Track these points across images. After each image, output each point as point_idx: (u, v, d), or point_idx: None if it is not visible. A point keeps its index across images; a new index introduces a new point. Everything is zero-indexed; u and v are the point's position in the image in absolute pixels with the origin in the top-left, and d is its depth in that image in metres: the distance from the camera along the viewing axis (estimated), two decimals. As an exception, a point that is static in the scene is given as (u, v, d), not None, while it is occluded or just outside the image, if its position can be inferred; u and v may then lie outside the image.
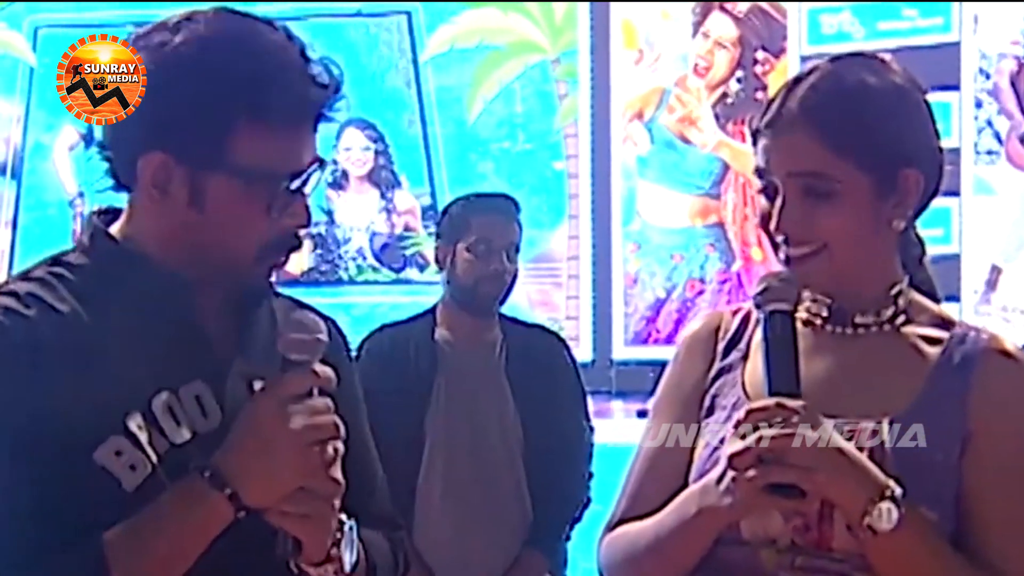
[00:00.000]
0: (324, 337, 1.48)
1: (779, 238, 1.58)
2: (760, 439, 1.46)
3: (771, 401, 1.48)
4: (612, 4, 5.42)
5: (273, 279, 1.61)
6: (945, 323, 1.62)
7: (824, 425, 1.47)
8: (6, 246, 5.92)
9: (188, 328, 1.52)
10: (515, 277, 3.42)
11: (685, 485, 1.60)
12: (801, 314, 1.59)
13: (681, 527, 1.56)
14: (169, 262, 1.51)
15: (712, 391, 1.65)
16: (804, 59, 5.18)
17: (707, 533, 1.55)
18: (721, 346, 1.68)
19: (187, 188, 1.48)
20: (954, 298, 4.82)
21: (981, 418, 1.54)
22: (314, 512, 1.45)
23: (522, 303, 5.21)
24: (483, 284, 3.35)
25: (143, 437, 1.45)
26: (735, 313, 1.70)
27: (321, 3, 5.69)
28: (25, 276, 1.52)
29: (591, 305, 5.36)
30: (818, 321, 1.63)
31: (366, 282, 5.69)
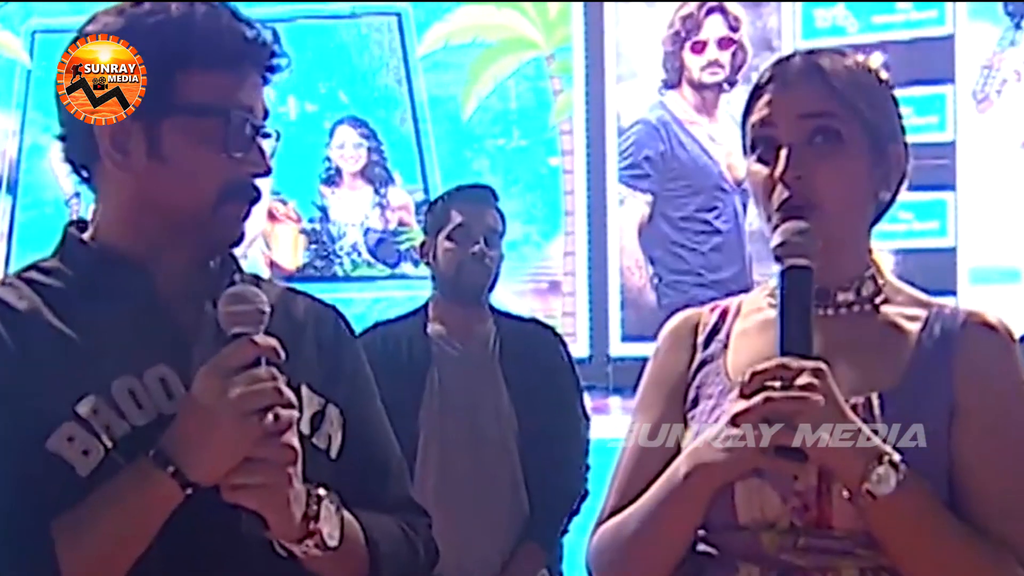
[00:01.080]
0: (265, 307, 1.48)
1: (780, 194, 1.58)
2: (767, 399, 1.45)
3: (775, 362, 1.48)
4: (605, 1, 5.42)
5: (270, 274, 1.61)
6: (921, 302, 1.64)
7: (831, 387, 1.47)
8: (1, 256, 5.94)
9: (153, 315, 1.53)
10: (499, 265, 3.43)
11: None
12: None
13: (671, 494, 1.55)
14: (135, 246, 1.55)
15: (695, 383, 1.66)
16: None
17: (698, 498, 1.53)
18: (701, 339, 1.69)
19: (144, 140, 1.53)
20: (950, 292, 4.82)
21: (965, 389, 1.55)
22: (268, 481, 1.43)
23: (519, 302, 5.21)
24: (464, 269, 3.39)
25: (97, 422, 1.46)
26: (713, 310, 1.72)
27: (314, 4, 5.69)
28: None
29: (587, 301, 5.36)
30: None
31: (361, 278, 5.69)
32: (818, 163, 1.58)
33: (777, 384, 1.46)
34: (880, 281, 1.64)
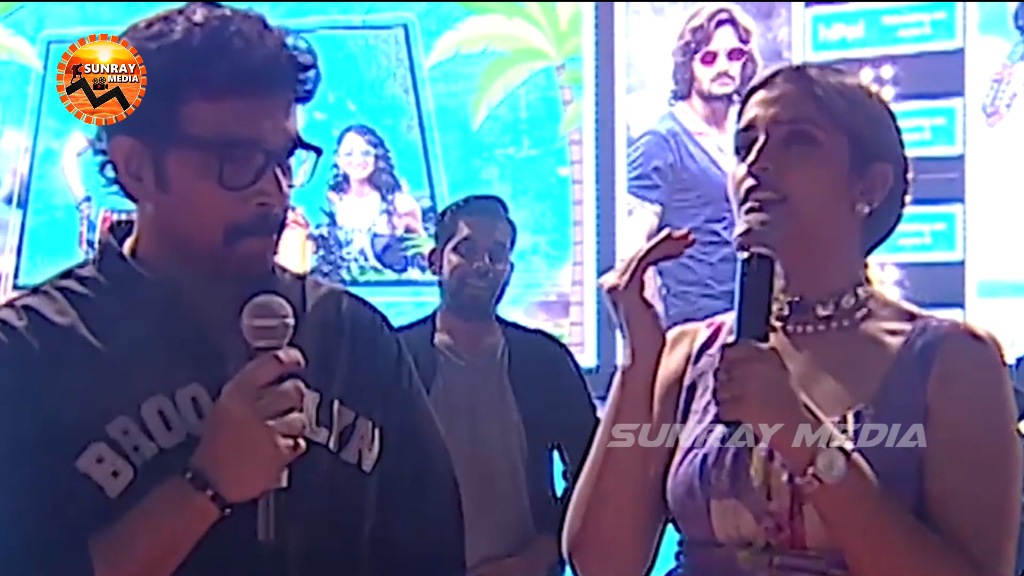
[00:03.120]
0: (290, 319, 1.45)
1: (747, 184, 1.58)
2: (716, 372, 1.46)
3: (720, 345, 1.50)
4: (617, 9, 5.42)
5: (298, 273, 1.59)
6: (909, 315, 1.63)
7: (781, 371, 1.47)
8: (10, 270, 5.96)
9: (187, 332, 1.51)
10: (507, 277, 3.43)
11: (662, 484, 1.62)
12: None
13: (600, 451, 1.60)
14: (168, 264, 1.51)
15: (686, 395, 1.66)
16: (808, 66, 5.19)
17: (625, 459, 1.58)
18: (696, 347, 1.69)
19: (152, 169, 1.49)
20: (958, 305, 4.82)
21: (937, 394, 1.54)
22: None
23: (527, 312, 5.22)
24: (467, 283, 3.38)
25: (127, 443, 1.45)
26: (709, 325, 1.72)
27: (323, 16, 5.71)
28: (35, 289, 1.53)
29: (595, 311, 5.36)
30: (778, 324, 1.62)
31: (368, 283, 5.70)
32: (789, 160, 1.58)
33: (726, 367, 1.48)
34: (864, 295, 1.62)
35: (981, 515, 1.51)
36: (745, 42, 5.25)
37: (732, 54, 5.26)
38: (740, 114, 1.68)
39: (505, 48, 5.64)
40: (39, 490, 1.42)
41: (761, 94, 1.65)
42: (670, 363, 1.69)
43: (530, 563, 3.36)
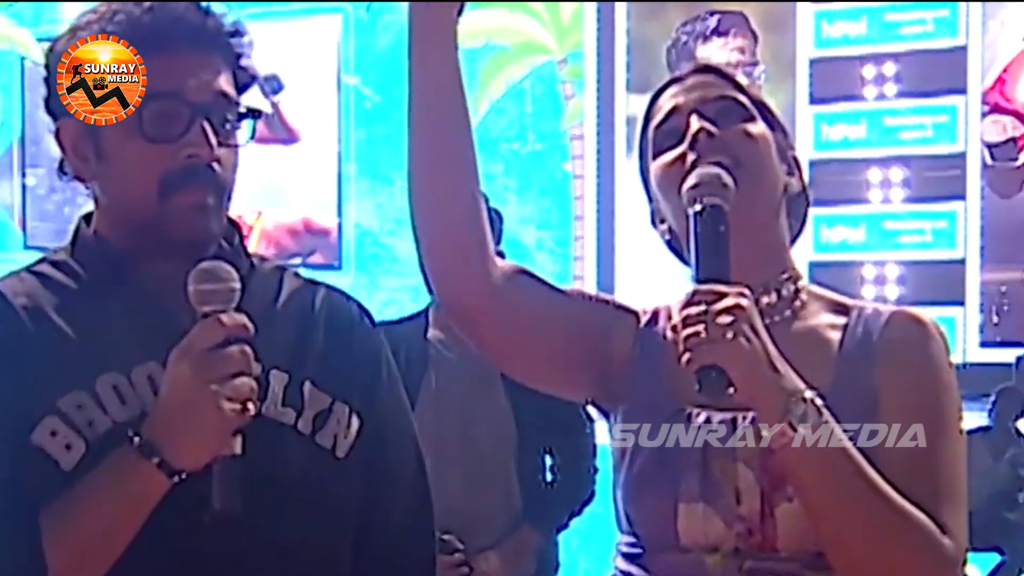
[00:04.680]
0: (236, 284, 1.44)
1: (690, 157, 1.54)
2: (692, 334, 1.41)
3: (693, 289, 1.43)
4: (618, 5, 5.42)
5: (269, 257, 1.59)
6: (842, 307, 1.61)
7: (754, 318, 1.44)
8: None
9: (147, 312, 1.51)
10: None
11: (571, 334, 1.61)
12: None
13: None
14: (122, 242, 1.52)
15: (630, 383, 1.61)
16: (812, 62, 5.19)
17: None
18: (641, 331, 1.62)
19: (92, 143, 1.50)
20: (958, 302, 4.82)
21: (884, 374, 1.52)
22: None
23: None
24: None
25: (80, 417, 1.45)
26: (643, 313, 1.66)
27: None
28: (11, 273, 1.54)
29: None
30: None
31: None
32: (734, 128, 1.55)
33: (698, 310, 1.43)
34: (800, 283, 1.61)
35: (937, 481, 1.51)
36: (743, 51, 5.26)
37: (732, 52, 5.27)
38: (649, 114, 1.62)
39: (507, 42, 5.64)
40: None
41: (674, 88, 1.60)
42: (620, 325, 1.62)
43: (516, 552, 3.37)
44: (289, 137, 6.30)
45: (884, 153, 5.00)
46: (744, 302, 1.42)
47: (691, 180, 1.49)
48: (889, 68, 5.00)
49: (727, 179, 1.50)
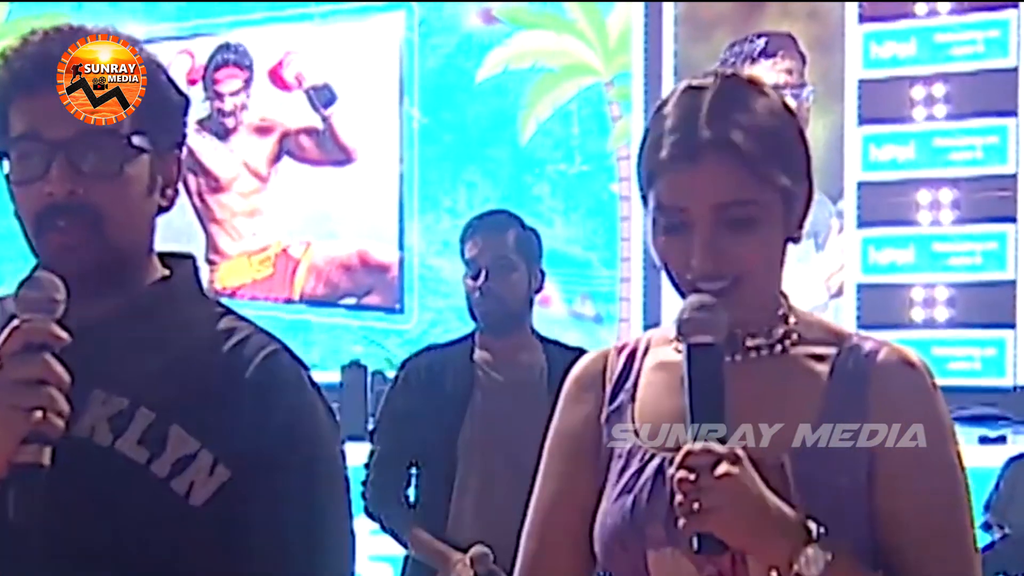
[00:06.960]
0: (60, 297, 1.43)
1: (690, 276, 1.51)
2: (679, 481, 1.39)
3: (684, 450, 1.40)
4: (666, 26, 5.42)
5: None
6: (832, 337, 1.57)
7: (749, 474, 1.42)
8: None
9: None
10: (519, 288, 3.42)
11: (587, 539, 1.58)
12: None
13: None
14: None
15: (606, 440, 1.59)
16: (861, 83, 5.17)
17: None
18: (609, 388, 1.60)
19: (7, 187, 1.54)
20: (1009, 325, 4.78)
21: (884, 439, 1.50)
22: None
23: (576, 327, 5.21)
24: (474, 304, 3.41)
25: None
26: (620, 351, 1.64)
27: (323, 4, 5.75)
28: None
29: (641, 328, 5.36)
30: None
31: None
32: (732, 244, 1.49)
33: (692, 476, 1.42)
34: (792, 320, 1.58)
35: (943, 545, 1.49)
36: (792, 73, 5.24)
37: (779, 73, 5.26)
38: (653, 178, 1.61)
39: (554, 64, 5.65)
40: None
41: (682, 167, 1.54)
42: (580, 415, 1.61)
43: None
44: (344, 158, 5.99)
45: (933, 174, 4.97)
46: (736, 470, 1.41)
47: (683, 313, 1.47)
48: (939, 89, 4.97)
49: (720, 315, 1.46)
